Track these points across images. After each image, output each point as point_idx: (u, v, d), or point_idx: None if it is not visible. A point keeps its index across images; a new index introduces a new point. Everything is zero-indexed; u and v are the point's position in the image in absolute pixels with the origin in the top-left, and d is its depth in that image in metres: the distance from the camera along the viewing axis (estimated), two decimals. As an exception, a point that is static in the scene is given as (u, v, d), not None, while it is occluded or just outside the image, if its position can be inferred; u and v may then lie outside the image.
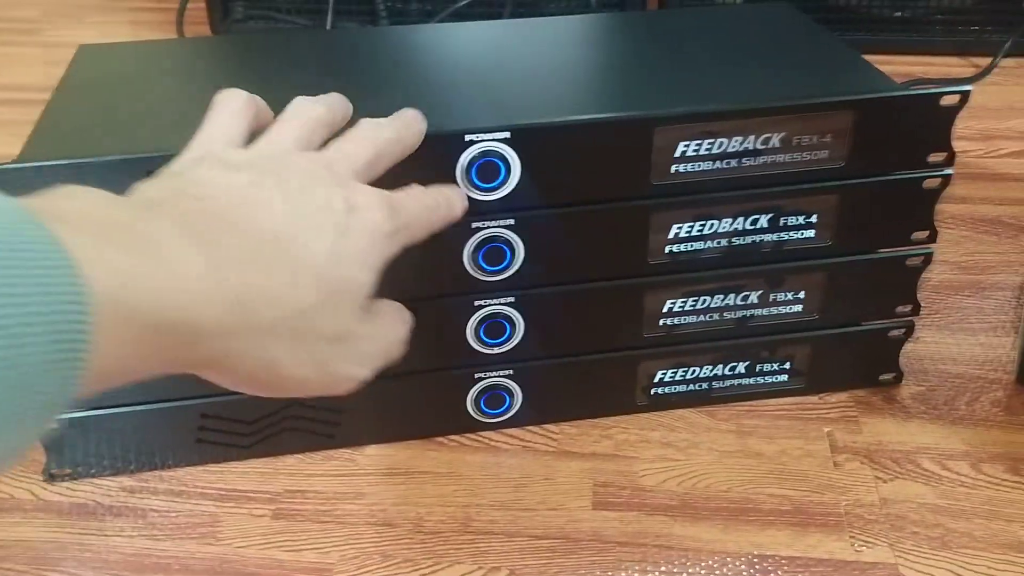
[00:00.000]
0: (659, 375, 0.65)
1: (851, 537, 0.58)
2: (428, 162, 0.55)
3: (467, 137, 0.55)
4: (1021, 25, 1.15)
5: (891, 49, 1.17)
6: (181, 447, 0.62)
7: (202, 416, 0.61)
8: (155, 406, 0.60)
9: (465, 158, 0.55)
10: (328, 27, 1.17)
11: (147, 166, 0.52)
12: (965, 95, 0.57)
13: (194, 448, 0.62)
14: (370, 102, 0.60)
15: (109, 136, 0.56)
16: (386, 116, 0.57)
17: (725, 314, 0.63)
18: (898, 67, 1.14)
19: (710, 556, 0.57)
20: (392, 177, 0.55)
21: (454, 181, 0.56)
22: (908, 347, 0.68)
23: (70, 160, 0.52)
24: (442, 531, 0.58)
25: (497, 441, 0.65)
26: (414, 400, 0.63)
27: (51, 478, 0.62)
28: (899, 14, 1.17)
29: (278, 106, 0.60)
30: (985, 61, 1.14)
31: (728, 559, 0.56)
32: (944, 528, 0.58)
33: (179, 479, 0.62)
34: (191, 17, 1.27)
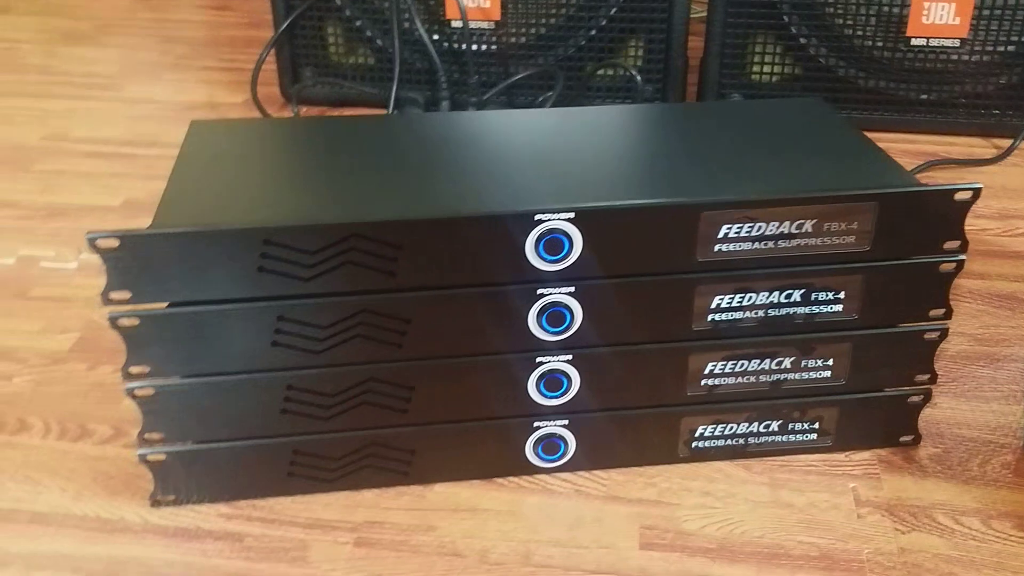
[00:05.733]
0: (700, 430, 0.72)
1: (871, 582, 0.64)
2: (501, 237, 0.63)
3: (536, 216, 0.63)
4: (1041, 109, 1.22)
5: (917, 129, 1.24)
6: (274, 479, 0.69)
7: (294, 452, 0.69)
8: (252, 442, 0.68)
9: (534, 234, 0.63)
10: (393, 92, 1.27)
11: (264, 235, 0.61)
12: (977, 192, 0.65)
13: (285, 481, 0.70)
14: (448, 185, 0.68)
15: (228, 208, 0.65)
16: (462, 201, 0.65)
17: (761, 377, 0.71)
18: (922, 146, 1.21)
19: (743, 594, 0.63)
20: (468, 250, 0.63)
21: (523, 255, 0.64)
22: (926, 412, 0.74)
23: (196, 228, 0.61)
24: (505, 562, 0.65)
25: (552, 484, 0.72)
26: (479, 444, 0.71)
27: (156, 503, 0.70)
28: (925, 96, 1.24)
29: (361, 186, 0.67)
30: (1006, 143, 1.21)
31: (759, 597, 0.63)
32: (955, 577, 0.64)
33: (270, 508, 0.70)
34: (262, 79, 1.37)
